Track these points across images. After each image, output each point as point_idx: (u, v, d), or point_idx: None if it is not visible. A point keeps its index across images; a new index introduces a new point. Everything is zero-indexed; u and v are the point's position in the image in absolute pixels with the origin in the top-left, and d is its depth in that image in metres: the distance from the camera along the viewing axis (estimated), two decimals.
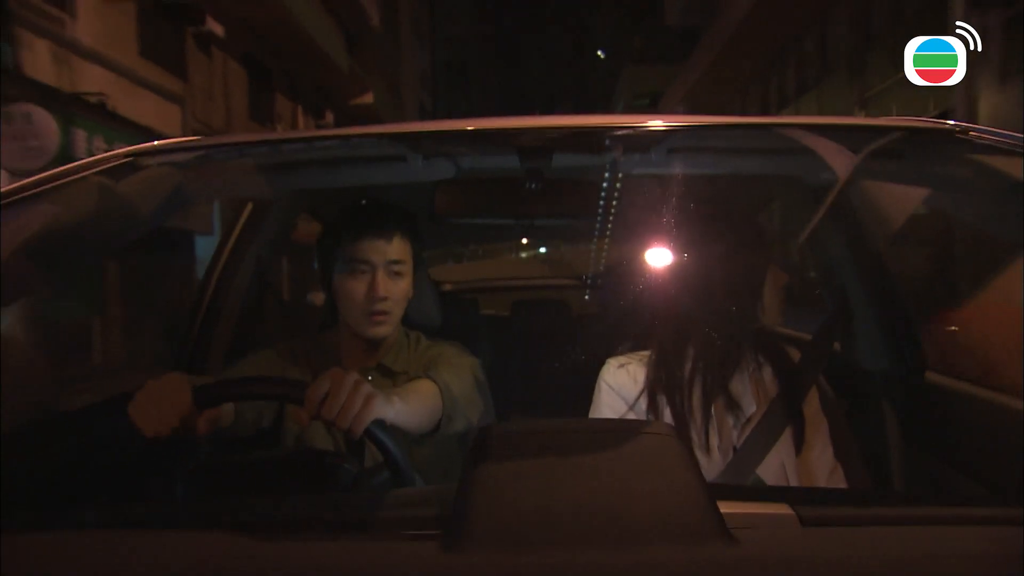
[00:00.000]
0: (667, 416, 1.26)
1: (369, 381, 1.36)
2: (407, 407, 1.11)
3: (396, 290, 1.35)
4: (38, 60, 6.02)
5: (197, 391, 1.04)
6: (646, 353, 1.33)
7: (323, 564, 0.58)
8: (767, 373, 1.31)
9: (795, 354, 1.39)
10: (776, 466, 1.24)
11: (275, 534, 0.62)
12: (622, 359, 1.34)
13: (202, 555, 0.59)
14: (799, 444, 1.26)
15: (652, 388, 1.28)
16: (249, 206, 1.80)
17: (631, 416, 1.28)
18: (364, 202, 1.43)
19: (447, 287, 2.97)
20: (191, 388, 1.04)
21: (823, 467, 1.27)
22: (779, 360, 1.33)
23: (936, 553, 0.58)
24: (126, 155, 1.14)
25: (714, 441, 1.24)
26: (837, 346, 1.64)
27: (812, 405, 1.31)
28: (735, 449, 1.25)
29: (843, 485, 1.28)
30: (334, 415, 0.97)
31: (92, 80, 6.58)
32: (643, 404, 1.28)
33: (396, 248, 1.35)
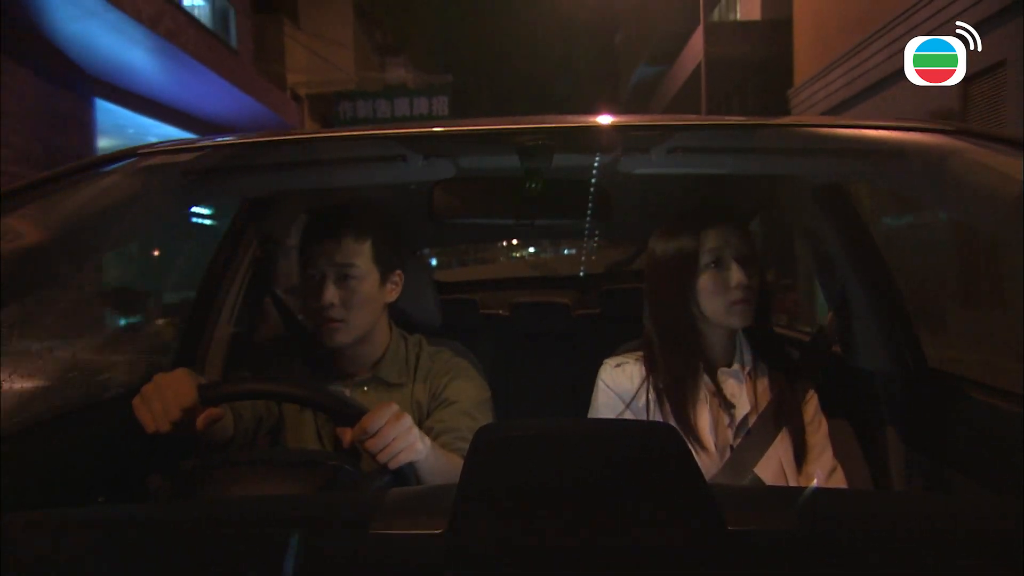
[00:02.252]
0: (663, 414, 1.27)
1: (364, 392, 1.35)
2: (436, 467, 1.10)
3: (348, 296, 1.28)
4: None
5: (203, 388, 1.04)
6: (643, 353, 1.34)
7: (323, 563, 0.58)
8: (764, 373, 1.32)
9: (794, 354, 1.39)
10: (775, 466, 1.24)
11: (274, 535, 0.62)
12: (619, 358, 1.35)
13: (201, 555, 0.59)
14: (798, 444, 1.26)
15: (647, 387, 1.29)
16: (249, 206, 1.80)
17: (628, 415, 1.29)
18: (323, 205, 1.40)
19: (447, 287, 2.97)
20: (196, 384, 1.04)
21: (823, 468, 1.28)
22: (776, 360, 1.34)
23: (936, 553, 0.58)
24: (127, 155, 1.14)
25: (710, 439, 1.25)
26: (837, 348, 1.64)
27: (811, 406, 1.32)
28: (732, 448, 1.26)
29: (843, 485, 1.28)
30: (378, 449, 1.01)
31: None
32: (640, 403, 1.29)
33: (345, 251, 1.29)
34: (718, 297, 1.26)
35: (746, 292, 1.24)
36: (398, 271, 1.38)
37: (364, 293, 1.30)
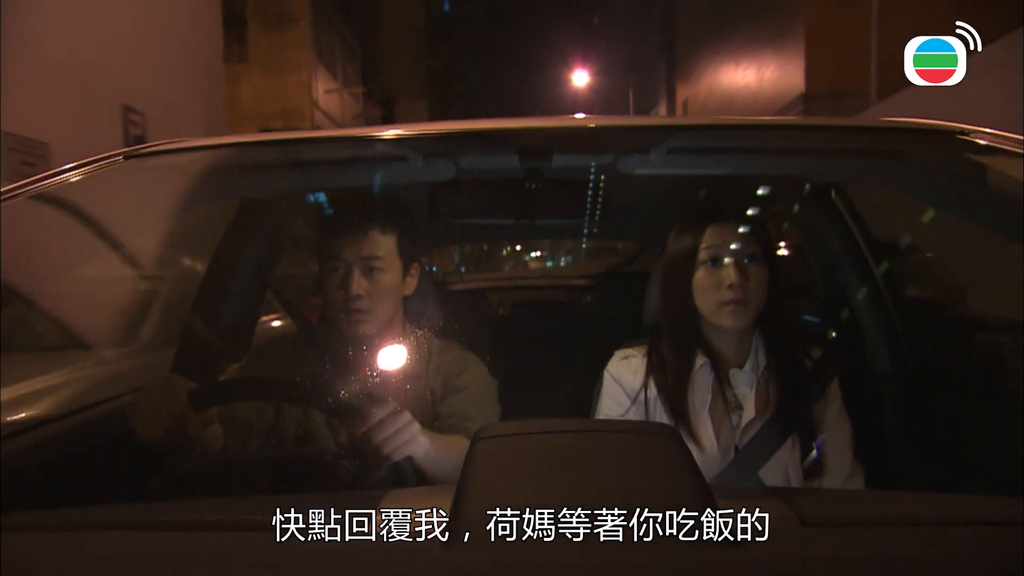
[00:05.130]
0: (663, 410, 1.27)
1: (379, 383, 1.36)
2: (439, 457, 1.11)
3: (374, 287, 1.31)
4: None
5: (193, 393, 1.04)
6: None
7: (323, 563, 0.58)
8: (779, 375, 1.29)
9: (814, 355, 1.36)
10: (780, 471, 1.22)
11: (275, 534, 0.62)
12: (628, 351, 1.35)
13: (202, 554, 0.59)
14: (807, 449, 1.24)
15: (647, 381, 1.29)
16: (249, 206, 1.80)
17: (633, 408, 1.28)
18: (347, 200, 1.43)
19: (451, 287, 2.98)
20: (186, 390, 1.04)
21: (841, 470, 1.26)
22: (793, 363, 1.31)
23: (936, 553, 0.58)
24: (125, 155, 1.14)
25: (711, 439, 1.24)
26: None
27: (833, 408, 1.29)
28: (737, 448, 1.24)
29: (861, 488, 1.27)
30: (379, 441, 1.02)
31: None
32: (642, 397, 1.29)
33: (371, 244, 1.31)
34: (710, 295, 1.24)
35: (740, 292, 1.21)
36: (415, 264, 1.40)
37: (389, 284, 1.33)
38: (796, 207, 1.76)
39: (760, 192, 1.83)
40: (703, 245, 1.25)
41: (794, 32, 8.76)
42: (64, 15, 6.13)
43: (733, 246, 1.24)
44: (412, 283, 1.40)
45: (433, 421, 1.34)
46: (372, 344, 1.38)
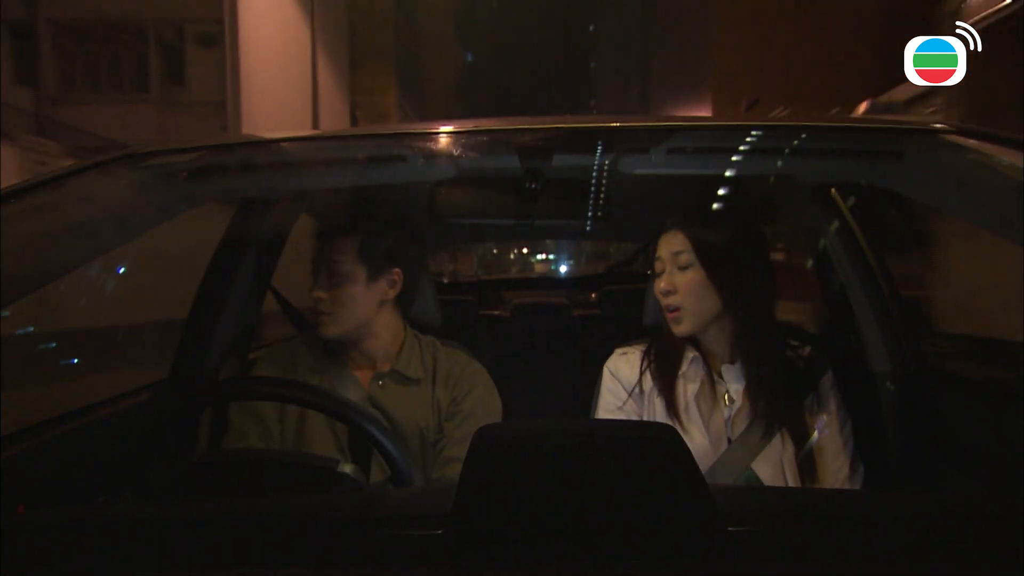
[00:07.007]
0: (657, 405, 1.28)
1: (380, 387, 1.36)
2: None
3: (334, 291, 1.32)
4: None
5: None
6: None
7: (323, 564, 0.58)
8: (771, 371, 1.30)
9: (805, 353, 1.38)
10: (773, 464, 1.24)
11: (275, 534, 0.62)
12: (627, 348, 1.39)
13: (201, 555, 0.59)
14: (800, 443, 1.26)
15: (644, 377, 1.31)
16: (249, 206, 1.80)
17: (631, 403, 1.30)
18: (320, 204, 1.45)
19: (447, 287, 2.98)
20: None
21: (840, 469, 1.27)
22: (781, 358, 1.33)
23: (936, 552, 0.58)
24: (126, 155, 1.14)
25: (702, 430, 1.26)
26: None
27: (828, 405, 1.31)
28: (729, 440, 1.26)
29: (858, 487, 1.28)
30: None
31: None
32: (638, 392, 1.32)
33: (332, 248, 1.33)
34: (659, 303, 1.31)
35: (669, 300, 1.27)
36: (395, 269, 1.38)
37: (349, 290, 1.33)
38: (795, 207, 1.76)
39: (756, 192, 1.83)
40: (655, 255, 1.32)
41: (704, 92, 17.01)
42: None
43: (667, 256, 1.29)
44: (393, 288, 1.39)
45: (438, 434, 1.34)
46: (366, 347, 1.38)
